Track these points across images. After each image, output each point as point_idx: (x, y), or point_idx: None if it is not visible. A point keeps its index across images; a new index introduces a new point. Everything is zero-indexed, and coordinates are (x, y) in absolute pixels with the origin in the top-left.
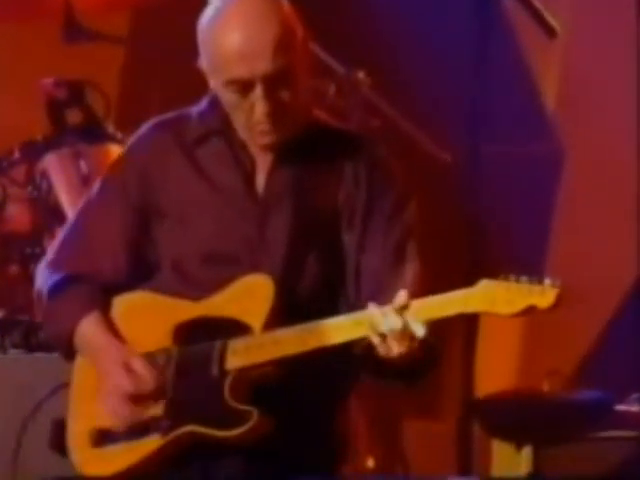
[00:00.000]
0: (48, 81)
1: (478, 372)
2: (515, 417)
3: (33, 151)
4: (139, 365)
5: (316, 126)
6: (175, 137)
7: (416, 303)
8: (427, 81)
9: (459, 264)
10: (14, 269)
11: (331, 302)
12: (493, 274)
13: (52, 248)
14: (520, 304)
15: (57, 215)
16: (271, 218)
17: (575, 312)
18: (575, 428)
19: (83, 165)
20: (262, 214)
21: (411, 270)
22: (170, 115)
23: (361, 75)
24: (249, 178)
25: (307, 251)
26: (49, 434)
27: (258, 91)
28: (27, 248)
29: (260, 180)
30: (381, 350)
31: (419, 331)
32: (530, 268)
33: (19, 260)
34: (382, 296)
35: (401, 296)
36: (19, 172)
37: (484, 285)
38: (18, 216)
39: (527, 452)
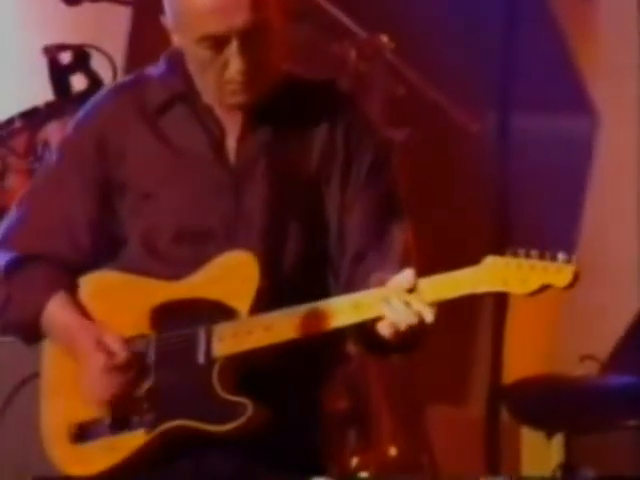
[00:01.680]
0: (51, 46)
1: (507, 356)
2: (546, 404)
3: (35, 120)
4: (110, 339)
5: (287, 82)
6: (135, 104)
7: (423, 284)
8: (455, 46)
9: (484, 240)
10: None
11: (318, 277)
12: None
13: (4, 226)
14: (535, 283)
15: None
16: (245, 187)
17: (609, 293)
18: (609, 416)
19: (71, 124)
20: (235, 183)
21: (398, 227)
22: (127, 79)
23: (384, 39)
24: (218, 145)
25: (288, 221)
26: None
27: (233, 47)
28: None
29: (230, 146)
30: (381, 333)
31: (428, 316)
32: (560, 245)
33: None
34: (368, 257)
35: (406, 277)
36: (20, 142)
37: (492, 262)
38: (18, 188)
39: (558, 441)
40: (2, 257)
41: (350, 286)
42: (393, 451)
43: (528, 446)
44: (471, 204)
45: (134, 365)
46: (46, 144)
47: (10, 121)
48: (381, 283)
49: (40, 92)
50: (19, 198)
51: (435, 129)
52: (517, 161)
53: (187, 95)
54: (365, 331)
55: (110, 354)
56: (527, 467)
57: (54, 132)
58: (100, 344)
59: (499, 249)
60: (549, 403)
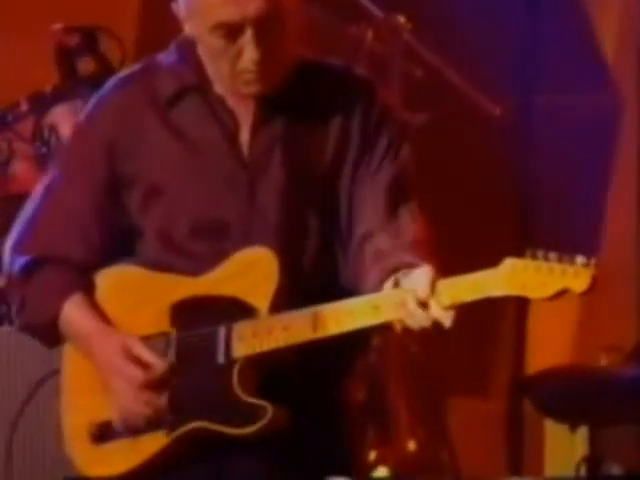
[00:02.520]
0: (58, 27)
1: (530, 347)
2: (569, 396)
3: (41, 103)
4: (141, 349)
5: (302, 68)
6: (145, 95)
7: (441, 286)
8: (474, 26)
9: (504, 227)
10: None
11: (332, 270)
12: (543, 239)
13: (14, 229)
14: (553, 287)
15: None
16: (260, 180)
17: (635, 282)
18: (635, 408)
19: (81, 117)
20: (249, 177)
21: (408, 211)
22: (135, 69)
23: (401, 20)
24: (232, 137)
25: (305, 215)
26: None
27: (247, 36)
28: None
29: (244, 137)
30: (398, 331)
31: (447, 321)
32: (584, 231)
33: None
34: (376, 238)
35: (424, 283)
36: (26, 126)
37: (511, 265)
38: (24, 175)
39: (582, 433)
40: (17, 260)
41: (357, 266)
42: (412, 445)
43: (551, 439)
44: (491, 190)
45: (172, 372)
46: (53, 128)
47: (16, 105)
48: (405, 265)
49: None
50: (31, 197)
51: (455, 113)
52: (539, 144)
53: (199, 85)
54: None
55: (145, 366)
56: (550, 461)
57: (61, 116)
58: (129, 354)
59: (519, 243)
60: (573, 395)
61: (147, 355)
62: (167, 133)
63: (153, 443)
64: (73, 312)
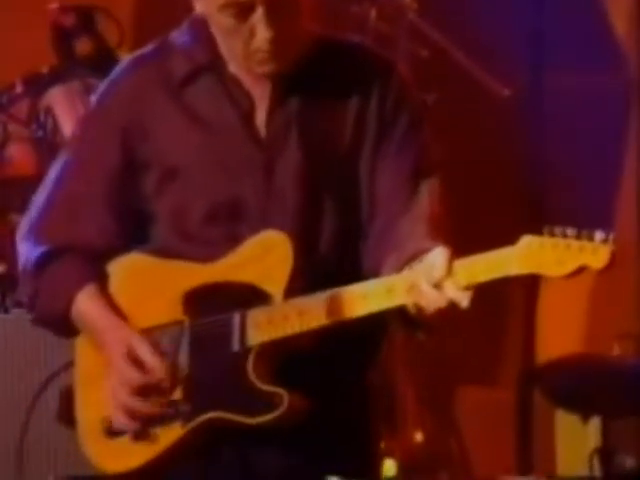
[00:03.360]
0: (54, 7)
1: (540, 335)
2: (581, 385)
3: (37, 85)
4: (145, 351)
5: (317, 45)
6: (158, 76)
7: (458, 266)
8: (482, 6)
9: (518, 209)
10: (15, 217)
11: (355, 255)
12: (554, 219)
13: (27, 219)
14: (570, 265)
15: None
16: (277, 161)
17: None
18: None
19: (93, 101)
20: (266, 158)
21: (427, 194)
22: (148, 49)
23: None
24: (248, 117)
25: (322, 197)
26: (57, 405)
27: (258, 14)
28: (30, 194)
29: (260, 118)
30: (414, 314)
31: (464, 302)
32: (597, 214)
33: (21, 207)
34: (398, 222)
35: (441, 263)
36: (21, 108)
37: (528, 243)
38: (20, 158)
39: (595, 424)
40: (32, 250)
41: (380, 258)
42: (419, 436)
43: (562, 430)
44: (501, 172)
45: (171, 376)
46: (49, 111)
47: (11, 86)
48: (422, 251)
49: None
50: (41, 188)
51: (463, 94)
52: (548, 124)
53: (213, 65)
54: (401, 309)
55: (144, 369)
56: (561, 453)
57: (57, 98)
58: (131, 355)
59: (530, 223)
60: (585, 384)
61: (149, 358)
62: (181, 115)
63: (168, 435)
64: (86, 304)
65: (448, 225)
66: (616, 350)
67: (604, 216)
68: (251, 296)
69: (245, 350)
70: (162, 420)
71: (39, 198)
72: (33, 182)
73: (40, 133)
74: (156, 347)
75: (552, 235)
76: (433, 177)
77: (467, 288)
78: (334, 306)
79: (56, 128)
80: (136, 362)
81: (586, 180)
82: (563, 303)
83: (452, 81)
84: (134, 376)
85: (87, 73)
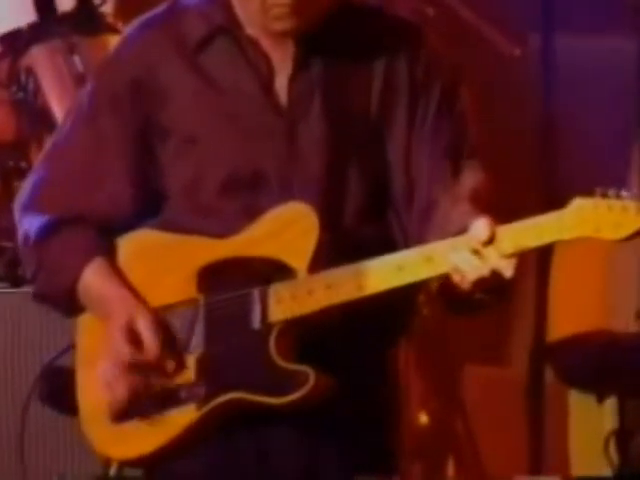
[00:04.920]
0: None
1: (552, 310)
2: (596, 364)
3: (17, 44)
4: (144, 327)
5: (342, 8)
6: (172, 39)
7: (501, 233)
8: None
9: (529, 175)
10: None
11: (382, 227)
12: (568, 186)
13: (28, 186)
14: (629, 227)
15: (46, 121)
16: (299, 130)
17: None
18: None
19: (77, 61)
20: (288, 126)
21: (469, 174)
22: (160, 10)
23: None
24: (267, 82)
25: (348, 167)
26: (39, 384)
27: None
28: (10, 160)
29: (281, 83)
30: (454, 289)
31: (507, 271)
32: (609, 179)
33: (1, 175)
34: (440, 206)
35: (482, 228)
36: (0, 69)
37: (580, 206)
38: (0, 121)
39: (611, 405)
40: (32, 222)
41: (423, 239)
42: (424, 418)
43: (576, 410)
44: (511, 133)
45: (167, 359)
46: (30, 71)
47: None
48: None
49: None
50: (44, 151)
51: (471, 55)
52: (561, 86)
53: (229, 27)
54: (442, 284)
55: (139, 346)
56: (575, 436)
57: (38, 57)
58: (129, 328)
59: (542, 186)
60: (600, 363)
61: (146, 334)
62: (197, 79)
63: (181, 419)
64: (94, 277)
65: (493, 205)
66: (633, 326)
67: (616, 177)
68: (272, 271)
69: (267, 327)
70: (174, 403)
71: (42, 165)
72: (13, 148)
73: (20, 95)
74: (160, 325)
75: (605, 197)
76: (475, 155)
77: (512, 256)
78: (366, 278)
79: (37, 90)
80: (131, 336)
81: (598, 142)
82: (577, 276)
83: (461, 41)
84: (125, 352)
85: (70, 31)
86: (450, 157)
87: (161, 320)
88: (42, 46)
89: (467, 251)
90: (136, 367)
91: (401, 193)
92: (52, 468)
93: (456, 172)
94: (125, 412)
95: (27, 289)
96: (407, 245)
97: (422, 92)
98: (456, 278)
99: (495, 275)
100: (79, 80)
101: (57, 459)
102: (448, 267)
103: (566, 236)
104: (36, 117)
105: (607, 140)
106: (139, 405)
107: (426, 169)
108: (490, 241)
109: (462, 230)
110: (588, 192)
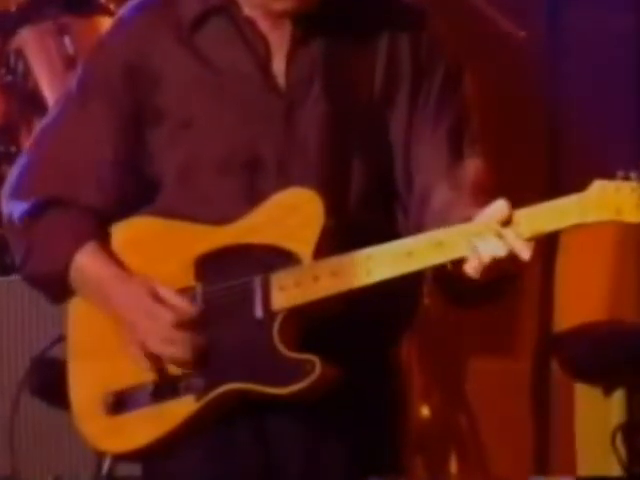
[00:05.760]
0: None
1: (558, 300)
2: (604, 355)
3: (6, 25)
4: (168, 292)
5: None
6: (166, 20)
7: (520, 215)
8: None
9: (536, 158)
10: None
11: (386, 213)
12: (575, 170)
13: (15, 171)
14: None
15: (36, 104)
16: (298, 111)
17: None
18: None
19: (68, 42)
20: (286, 108)
21: (472, 157)
22: None
23: None
24: (264, 63)
25: (349, 151)
26: (28, 376)
27: None
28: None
29: (278, 64)
30: (469, 273)
31: (524, 253)
32: (616, 152)
33: None
34: (439, 191)
35: (501, 208)
36: None
37: (601, 188)
38: None
39: (618, 398)
40: (18, 206)
41: (421, 225)
42: (426, 411)
43: (583, 404)
44: (521, 124)
45: (202, 318)
46: (19, 53)
47: None
48: (466, 219)
49: None
50: (33, 136)
51: (476, 37)
52: (566, 62)
53: (225, 6)
54: (445, 275)
55: (175, 308)
56: (581, 429)
57: (28, 39)
58: (158, 298)
59: (550, 171)
60: (608, 354)
61: (175, 298)
62: (192, 60)
63: (180, 410)
64: (88, 260)
65: (494, 193)
66: None
67: (622, 154)
68: (274, 259)
69: (270, 316)
70: (172, 393)
71: (29, 151)
72: (2, 132)
73: (9, 78)
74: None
75: (627, 179)
76: (477, 141)
77: (530, 239)
78: (374, 265)
79: (27, 72)
80: (163, 301)
81: (603, 118)
82: (584, 265)
83: (465, 23)
84: (168, 314)
85: (60, 12)
86: (451, 141)
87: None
88: (32, 27)
89: (488, 232)
90: (178, 326)
91: (402, 176)
92: (43, 463)
93: (457, 156)
94: (125, 403)
95: (15, 277)
96: (410, 233)
97: (425, 75)
98: (473, 263)
99: (511, 258)
100: (70, 62)
101: (48, 454)
102: (461, 253)
103: (588, 219)
104: (26, 100)
105: (615, 122)
106: (141, 395)
107: (427, 153)
108: (508, 223)
109: (464, 220)
110: (609, 175)
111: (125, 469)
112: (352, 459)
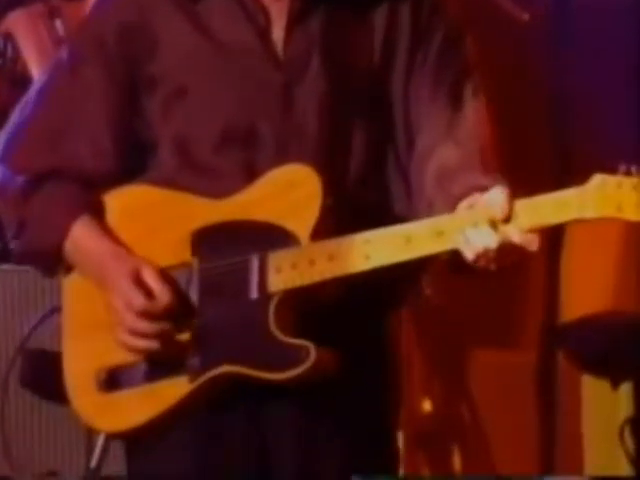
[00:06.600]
0: None
1: (564, 291)
2: (611, 347)
3: None
4: (150, 276)
5: None
6: None
7: (520, 207)
8: None
9: (540, 144)
10: None
11: (381, 192)
12: (581, 157)
13: (3, 137)
14: None
15: (26, 88)
16: (297, 83)
17: None
18: None
19: (58, 25)
20: (285, 80)
21: (472, 113)
22: None
23: None
24: (264, 35)
25: (350, 124)
26: (20, 369)
27: None
28: None
29: (278, 36)
30: (470, 262)
31: (533, 245)
32: (624, 139)
33: None
34: (439, 152)
35: (499, 203)
36: None
37: (602, 182)
38: None
39: (626, 391)
40: (9, 178)
41: (422, 183)
42: (427, 405)
43: (590, 397)
44: (526, 108)
45: (176, 310)
46: (9, 36)
47: None
48: (482, 188)
49: None
50: (23, 100)
51: (479, 19)
52: (573, 46)
53: None
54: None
55: (150, 296)
56: (589, 423)
57: (18, 22)
58: (138, 281)
59: (555, 154)
60: (615, 346)
61: (154, 283)
62: (191, 29)
63: (173, 391)
64: (83, 234)
65: (497, 153)
66: None
67: (631, 140)
68: (272, 237)
69: (265, 298)
70: (167, 373)
71: (19, 114)
72: None
73: None
74: (166, 277)
75: (628, 174)
76: (478, 100)
77: (530, 232)
78: (371, 250)
79: (17, 56)
80: (140, 284)
81: (611, 104)
82: (590, 254)
83: (466, 5)
84: (139, 300)
85: None
86: (452, 97)
87: (165, 272)
88: (21, 10)
89: (485, 225)
90: (147, 316)
91: (403, 139)
92: (34, 456)
93: (456, 118)
94: (119, 380)
95: (7, 267)
96: (411, 204)
97: (424, 38)
98: (466, 254)
99: (519, 250)
100: (60, 45)
101: (39, 447)
102: (458, 243)
103: (587, 215)
104: (15, 84)
105: (620, 107)
106: (136, 373)
107: (427, 112)
108: (508, 219)
109: (471, 188)
110: (610, 169)
111: (113, 467)
112: (348, 445)
